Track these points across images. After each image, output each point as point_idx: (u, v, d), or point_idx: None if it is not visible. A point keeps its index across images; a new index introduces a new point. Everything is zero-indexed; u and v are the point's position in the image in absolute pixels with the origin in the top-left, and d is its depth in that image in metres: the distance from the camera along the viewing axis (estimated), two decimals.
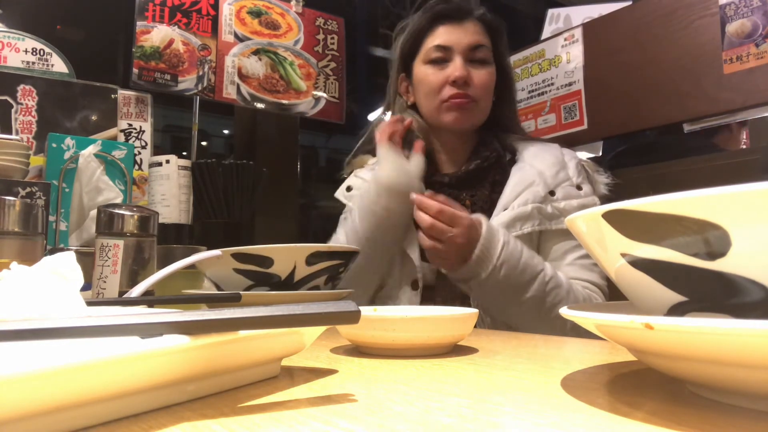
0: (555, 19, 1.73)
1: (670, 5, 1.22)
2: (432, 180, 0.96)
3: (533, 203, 0.89)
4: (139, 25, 1.40)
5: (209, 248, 0.68)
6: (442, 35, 0.98)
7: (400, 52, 1.04)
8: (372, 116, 3.56)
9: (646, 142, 1.52)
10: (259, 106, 1.56)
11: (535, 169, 0.93)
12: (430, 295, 0.92)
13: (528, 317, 0.83)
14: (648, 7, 1.27)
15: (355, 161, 1.11)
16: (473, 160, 0.98)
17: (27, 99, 1.22)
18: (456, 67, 0.95)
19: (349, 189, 1.05)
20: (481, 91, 0.97)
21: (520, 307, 0.81)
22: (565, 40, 1.46)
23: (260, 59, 1.58)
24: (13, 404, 0.19)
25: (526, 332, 0.85)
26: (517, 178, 0.93)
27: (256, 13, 1.60)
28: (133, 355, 0.22)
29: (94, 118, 1.31)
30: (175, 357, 0.24)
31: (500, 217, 0.88)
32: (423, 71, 0.99)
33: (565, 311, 0.29)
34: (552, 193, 0.91)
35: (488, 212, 0.91)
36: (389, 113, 1.07)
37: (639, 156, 1.42)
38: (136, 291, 0.55)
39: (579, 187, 0.92)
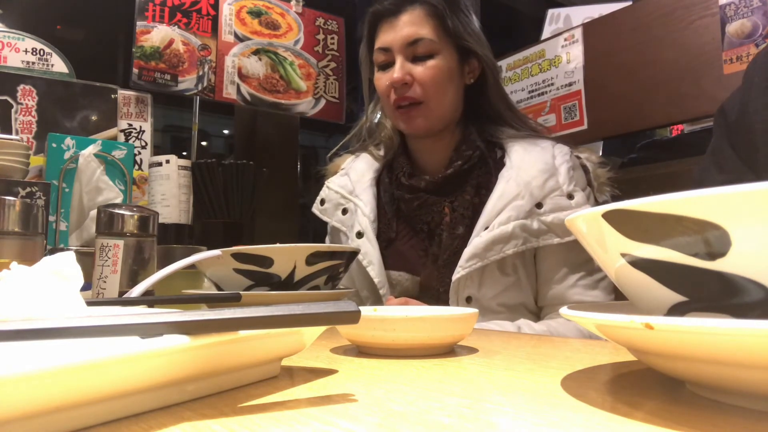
0: (555, 19, 1.73)
1: (669, 5, 1.22)
2: (409, 183, 0.91)
3: (516, 220, 0.81)
4: (139, 25, 1.40)
5: (209, 248, 0.68)
6: (381, 37, 0.91)
7: (360, 59, 1.00)
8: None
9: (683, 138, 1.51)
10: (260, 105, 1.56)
11: (522, 178, 0.84)
12: None
13: None
14: (648, 7, 1.27)
15: (329, 167, 1.07)
16: (454, 161, 0.90)
17: (27, 99, 1.22)
18: (394, 70, 0.88)
19: (322, 202, 1.00)
20: (425, 90, 0.88)
21: None
22: (565, 40, 1.46)
23: (260, 59, 1.58)
24: (13, 404, 0.19)
25: None
26: (501, 189, 0.85)
27: (256, 13, 1.60)
28: (133, 355, 0.22)
29: (94, 118, 1.31)
30: (175, 357, 0.24)
31: (479, 239, 0.82)
32: (376, 77, 0.93)
33: (565, 311, 0.29)
34: (539, 205, 0.82)
35: (471, 219, 0.85)
36: (379, 114, 1.04)
37: (668, 151, 1.39)
38: (136, 291, 0.55)
39: (570, 196, 0.83)
